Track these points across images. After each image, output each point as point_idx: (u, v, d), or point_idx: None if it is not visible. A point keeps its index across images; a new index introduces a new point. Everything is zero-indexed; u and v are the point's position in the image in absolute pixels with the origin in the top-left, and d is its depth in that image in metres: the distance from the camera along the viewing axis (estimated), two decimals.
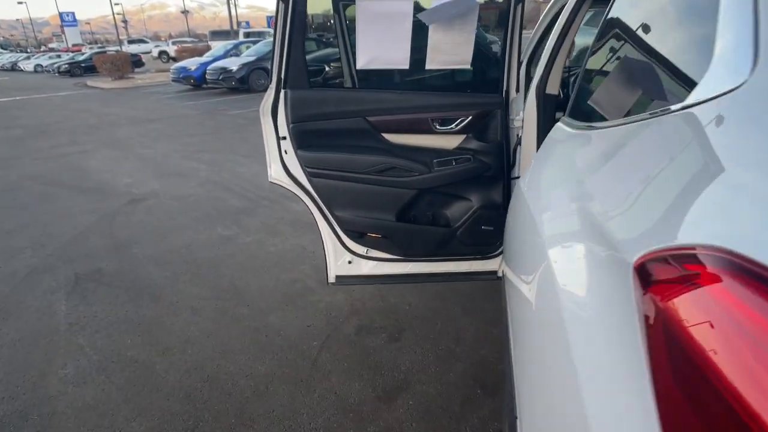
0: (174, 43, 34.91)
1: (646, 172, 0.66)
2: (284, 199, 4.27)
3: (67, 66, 24.53)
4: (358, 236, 2.18)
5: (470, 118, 2.00)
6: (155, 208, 4.39)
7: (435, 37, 1.91)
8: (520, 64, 1.98)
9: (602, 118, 0.96)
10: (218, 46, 16.11)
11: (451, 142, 2.06)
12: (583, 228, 0.75)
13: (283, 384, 2.13)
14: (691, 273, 0.47)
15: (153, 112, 10.42)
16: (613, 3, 1.15)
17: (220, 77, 12.72)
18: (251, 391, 2.09)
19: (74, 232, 3.90)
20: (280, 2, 1.84)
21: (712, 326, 0.43)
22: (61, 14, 45.25)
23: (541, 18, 2.91)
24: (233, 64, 12.80)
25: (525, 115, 2.10)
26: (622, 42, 1.05)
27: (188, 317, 2.65)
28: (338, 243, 2.23)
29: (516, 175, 2.18)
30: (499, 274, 2.32)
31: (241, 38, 21.52)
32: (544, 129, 2.09)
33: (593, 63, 1.17)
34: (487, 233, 2.17)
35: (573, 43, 2.07)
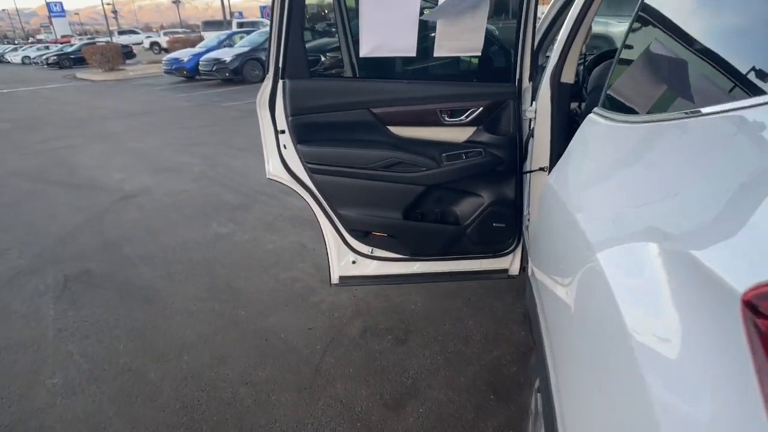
0: (166, 34, 34.35)
1: (739, 179, 0.54)
2: (281, 194, 4.13)
3: (55, 58, 24.07)
4: (363, 235, 2.06)
5: (481, 109, 1.88)
6: (147, 205, 4.24)
7: (444, 22, 1.78)
8: (533, 51, 1.85)
9: (659, 110, 0.84)
10: (211, 37, 15.83)
11: (461, 134, 1.93)
12: (647, 237, 0.64)
13: (286, 392, 2.01)
14: None
15: (145, 105, 10.20)
16: None
17: (214, 68, 12.48)
18: (252, 400, 1.98)
19: (63, 232, 3.75)
20: None
21: None
22: (48, 4, 44.36)
23: (552, 1, 2.77)
24: (227, 55, 12.56)
25: (538, 105, 1.98)
26: (674, 26, 0.93)
27: (183, 320, 2.53)
28: (341, 242, 2.11)
29: (527, 169, 2.07)
30: (511, 272, 2.21)
31: (234, 28, 21.18)
32: (558, 120, 1.97)
33: (636, 49, 1.04)
34: (499, 231, 2.05)
35: (590, 28, 1.94)
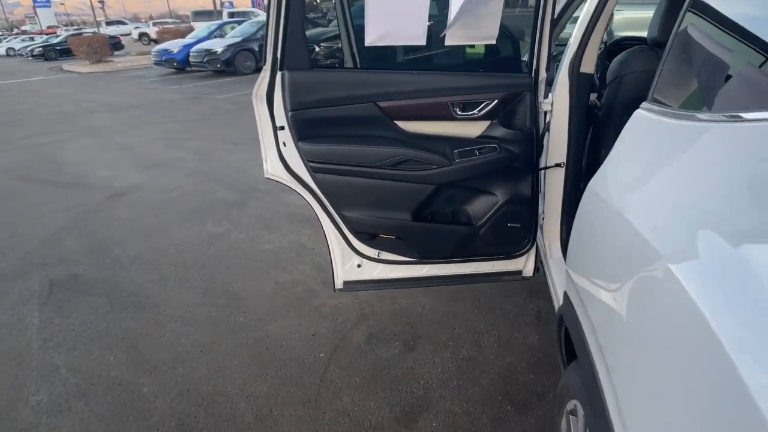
0: (155, 24, 33.69)
1: None
2: (278, 190, 3.98)
3: (41, 49, 23.52)
4: (369, 238, 1.92)
5: (495, 101, 1.74)
6: (138, 204, 4.07)
7: (457, 8, 1.63)
8: (551, 39, 1.70)
9: (742, 108, 0.72)
10: (201, 27, 15.48)
11: (474, 129, 1.79)
12: (733, 243, 0.53)
13: (289, 406, 1.89)
14: None
15: (134, 98, 9.94)
16: None
17: (205, 60, 12.20)
18: (253, 415, 1.85)
19: (48, 233, 3.58)
20: None
21: None
22: None
23: None
24: (218, 45, 12.27)
25: (554, 97, 1.85)
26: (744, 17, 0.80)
27: (178, 329, 2.39)
28: (346, 245, 1.98)
29: (542, 166, 1.94)
30: (525, 274, 2.09)
31: (225, 18, 20.76)
32: (577, 113, 1.84)
33: (693, 37, 0.90)
34: (514, 231, 1.92)
35: (612, 14, 1.81)
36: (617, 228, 0.83)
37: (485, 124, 1.78)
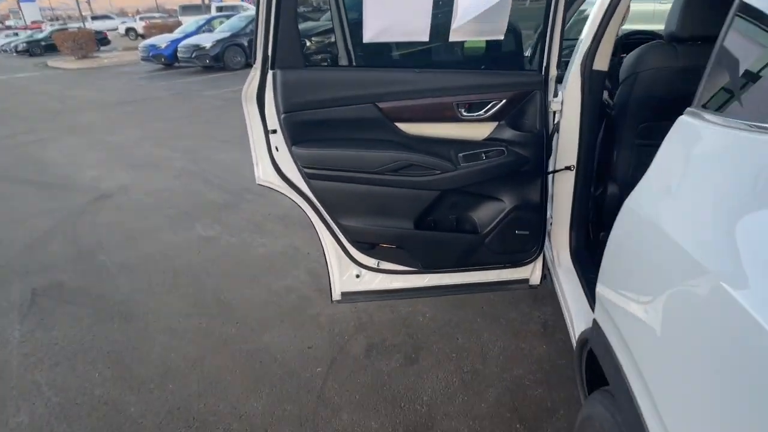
0: (142, 19, 33.09)
1: None
2: (270, 191, 3.84)
3: (25, 45, 22.97)
4: (368, 248, 1.81)
5: (504, 101, 1.63)
6: (125, 206, 3.92)
7: (462, 1, 1.51)
8: (563, 35, 1.60)
9: None
10: (189, 22, 15.19)
11: (481, 131, 1.68)
12: None
13: (286, 426, 1.78)
14: None
15: (121, 95, 9.71)
16: None
17: (193, 55, 11.96)
18: None
19: (30, 238, 3.43)
20: None
21: None
22: None
23: None
24: (206, 40, 12.03)
25: (565, 95, 1.74)
26: None
27: (166, 341, 2.27)
28: (343, 255, 1.86)
29: (551, 169, 1.83)
30: (532, 282, 1.99)
31: (214, 13, 20.43)
32: (589, 113, 1.74)
33: (749, 35, 0.80)
34: (522, 239, 1.82)
35: (629, 6, 1.70)
36: (666, 253, 0.73)
37: (492, 125, 1.68)
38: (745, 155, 0.67)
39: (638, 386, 0.86)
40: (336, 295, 1.96)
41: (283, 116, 1.58)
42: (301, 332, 2.29)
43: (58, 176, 4.79)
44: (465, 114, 1.64)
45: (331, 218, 1.76)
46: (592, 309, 1.66)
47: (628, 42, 2.48)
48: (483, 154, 1.67)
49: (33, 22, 40.87)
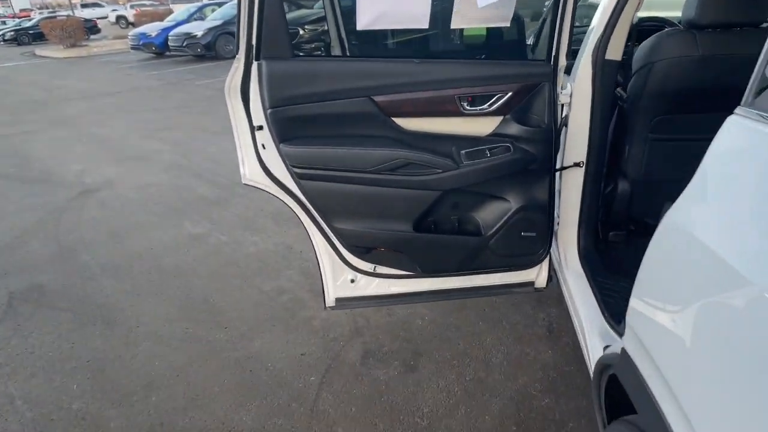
0: (132, 7, 32.44)
1: None
2: None
3: (13, 33, 22.48)
4: (364, 252, 1.69)
5: (509, 94, 1.50)
6: (111, 202, 3.77)
7: None
8: (574, 21, 1.46)
9: None
10: (181, 10, 14.84)
11: (484, 126, 1.56)
12: None
13: None
14: None
15: (109, 84, 9.47)
16: None
17: (184, 44, 11.67)
18: None
19: (10, 237, 3.28)
20: None
21: None
22: None
23: None
24: (198, 29, 11.75)
25: (574, 87, 1.62)
26: None
27: (151, 348, 2.15)
28: (337, 259, 1.74)
29: (559, 166, 1.71)
30: (537, 285, 1.87)
31: (205, 0, 20.02)
32: (601, 105, 1.61)
33: None
34: (529, 240, 1.70)
35: None
36: (722, 274, 0.61)
37: (497, 120, 1.55)
38: None
39: (675, 418, 0.77)
40: (330, 301, 1.84)
41: (269, 111, 1.45)
42: (294, 337, 2.17)
43: (42, 170, 4.62)
44: (468, 108, 1.51)
45: (323, 221, 1.63)
46: (604, 315, 1.55)
47: (639, 30, 2.35)
48: (487, 151, 1.55)
49: (22, 11, 40.02)
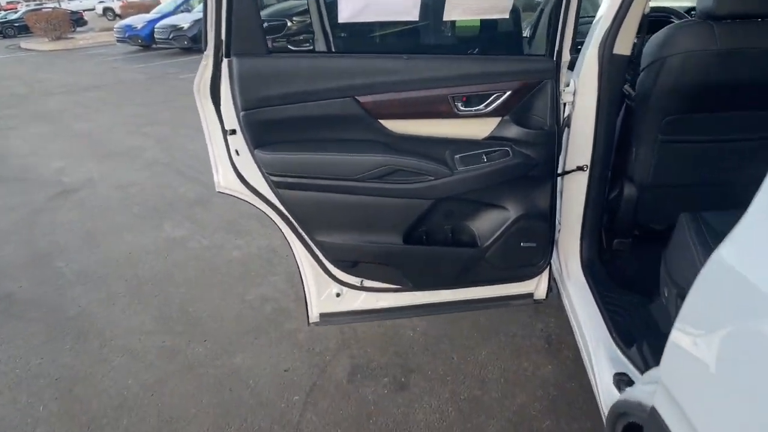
0: None
1: None
2: None
3: None
4: (351, 265, 1.56)
5: (508, 93, 1.37)
6: (89, 202, 3.60)
7: None
8: (579, 13, 1.33)
9: None
10: (167, 2, 14.50)
11: (481, 128, 1.43)
12: None
13: None
14: None
15: (94, 78, 9.21)
16: None
17: (171, 36, 11.41)
18: None
19: None
20: None
21: None
22: None
23: None
24: (184, 21, 11.48)
25: (578, 84, 1.49)
26: None
27: (124, 364, 2.01)
28: (322, 272, 1.61)
29: (561, 170, 1.58)
30: (537, 297, 1.75)
31: None
32: (607, 104, 1.48)
33: None
34: (528, 251, 1.58)
35: None
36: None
37: (495, 121, 1.42)
38: None
39: None
40: (313, 317, 1.71)
41: (242, 114, 1.30)
42: (278, 351, 2.04)
43: (19, 168, 4.43)
44: (462, 108, 1.38)
45: (305, 233, 1.49)
46: (612, 335, 1.44)
47: (647, 21, 2.21)
48: (484, 156, 1.42)
49: (8, 3, 39.16)
